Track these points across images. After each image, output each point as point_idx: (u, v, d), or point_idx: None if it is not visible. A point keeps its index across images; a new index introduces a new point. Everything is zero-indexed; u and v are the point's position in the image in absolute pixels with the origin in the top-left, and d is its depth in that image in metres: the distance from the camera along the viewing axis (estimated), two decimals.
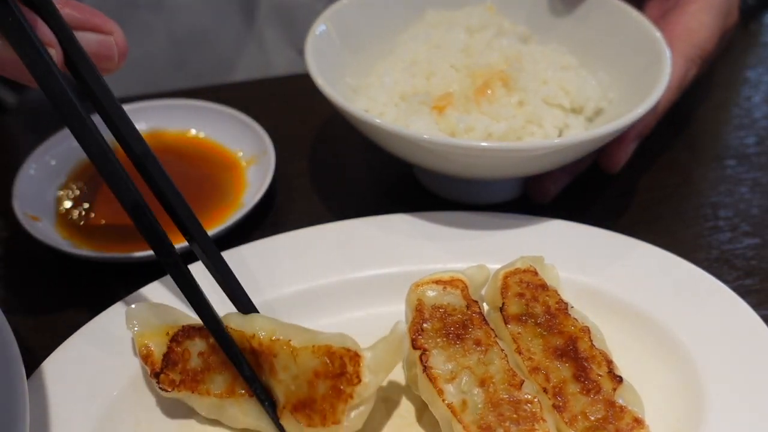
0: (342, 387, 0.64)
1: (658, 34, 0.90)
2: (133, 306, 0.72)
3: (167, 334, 0.71)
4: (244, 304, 0.72)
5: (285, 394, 0.67)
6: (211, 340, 0.69)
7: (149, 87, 1.19)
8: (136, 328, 0.71)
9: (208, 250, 0.72)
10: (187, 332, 0.71)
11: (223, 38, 1.32)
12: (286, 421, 0.67)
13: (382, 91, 0.90)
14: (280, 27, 1.32)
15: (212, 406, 0.69)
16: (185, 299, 0.69)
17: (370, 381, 0.64)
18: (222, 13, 1.30)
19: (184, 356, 0.70)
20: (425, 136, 0.79)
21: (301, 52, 1.32)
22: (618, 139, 0.88)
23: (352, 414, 0.64)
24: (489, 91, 0.86)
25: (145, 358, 0.70)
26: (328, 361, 0.65)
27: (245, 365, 0.68)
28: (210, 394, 0.68)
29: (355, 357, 0.64)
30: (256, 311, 0.72)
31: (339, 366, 0.64)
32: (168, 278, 0.78)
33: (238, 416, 0.69)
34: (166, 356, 0.70)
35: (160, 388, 0.69)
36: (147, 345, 0.70)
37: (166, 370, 0.69)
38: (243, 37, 1.33)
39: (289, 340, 0.66)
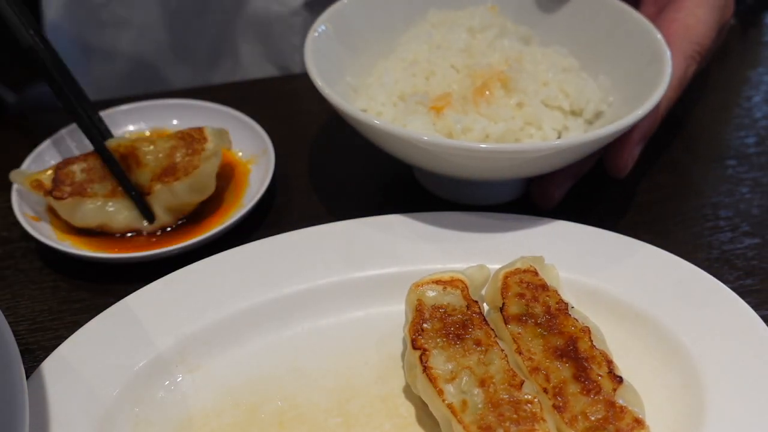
0: (195, 146, 0.88)
1: (659, 37, 0.89)
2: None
3: (50, 170, 0.88)
4: (102, 131, 0.91)
5: (152, 172, 0.87)
6: (88, 163, 0.88)
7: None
8: (21, 181, 0.87)
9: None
10: (66, 161, 0.89)
11: (194, 55, 1.29)
12: (157, 193, 0.86)
13: (381, 90, 0.90)
14: (256, 42, 1.29)
15: (98, 209, 0.86)
16: (185, 299, 0.69)
17: (213, 142, 0.89)
18: (192, 29, 1.28)
19: (69, 175, 0.87)
20: (420, 137, 0.78)
21: (281, 68, 1.29)
22: (623, 142, 0.88)
23: (206, 164, 0.87)
24: (487, 92, 0.86)
25: (37, 188, 0.86)
26: (180, 139, 0.89)
27: (118, 167, 0.87)
28: (98, 195, 0.86)
29: (199, 130, 0.90)
30: (111, 135, 0.92)
31: (189, 139, 0.89)
32: (168, 278, 0.78)
33: (119, 215, 0.86)
34: (54, 179, 0.87)
35: (54, 197, 0.85)
36: (35, 179, 0.87)
37: (57, 188, 0.86)
38: (216, 53, 1.30)
39: (147, 134, 0.95)
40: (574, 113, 0.90)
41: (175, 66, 1.30)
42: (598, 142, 0.81)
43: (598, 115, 0.91)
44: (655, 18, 0.95)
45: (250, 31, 1.28)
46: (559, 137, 0.87)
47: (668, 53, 0.87)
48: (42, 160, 0.94)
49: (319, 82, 0.84)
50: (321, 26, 0.93)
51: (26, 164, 0.93)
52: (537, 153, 0.79)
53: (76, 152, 0.97)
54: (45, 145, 0.96)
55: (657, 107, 0.85)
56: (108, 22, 1.26)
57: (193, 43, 1.29)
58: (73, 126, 0.98)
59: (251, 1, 1.24)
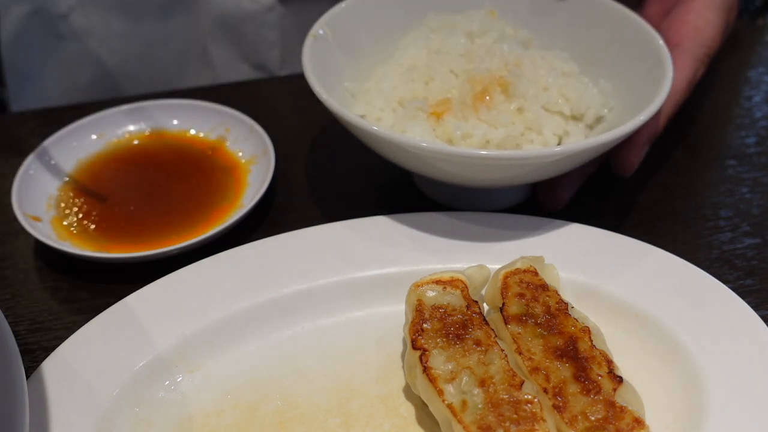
0: None
1: (661, 42, 0.88)
2: None
3: None
4: None
5: None
6: None
7: None
8: None
9: None
10: None
11: (160, 62, 1.26)
12: None
13: (379, 96, 0.89)
14: (227, 42, 1.26)
15: None
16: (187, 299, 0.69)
17: None
18: (156, 36, 1.24)
19: None
20: (419, 143, 0.77)
21: (256, 66, 1.26)
22: (631, 143, 0.87)
23: None
24: (487, 98, 0.85)
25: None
26: None
27: None
28: None
29: None
30: None
31: None
32: (168, 278, 0.78)
33: None
34: None
35: None
36: None
37: None
38: (184, 58, 1.27)
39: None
40: (575, 118, 0.89)
41: (140, 75, 1.27)
42: (600, 149, 0.80)
43: (598, 119, 0.91)
44: (662, 19, 0.95)
45: (220, 31, 1.25)
46: (559, 142, 0.86)
47: (669, 58, 0.86)
48: (42, 161, 0.94)
49: (317, 87, 0.83)
50: (319, 30, 0.92)
51: (26, 164, 0.93)
52: (538, 159, 0.78)
53: (77, 153, 0.97)
54: (45, 145, 0.95)
55: (661, 110, 0.85)
56: (67, 34, 1.23)
57: (159, 50, 1.25)
58: (73, 126, 0.98)
59: (220, 1, 1.22)
